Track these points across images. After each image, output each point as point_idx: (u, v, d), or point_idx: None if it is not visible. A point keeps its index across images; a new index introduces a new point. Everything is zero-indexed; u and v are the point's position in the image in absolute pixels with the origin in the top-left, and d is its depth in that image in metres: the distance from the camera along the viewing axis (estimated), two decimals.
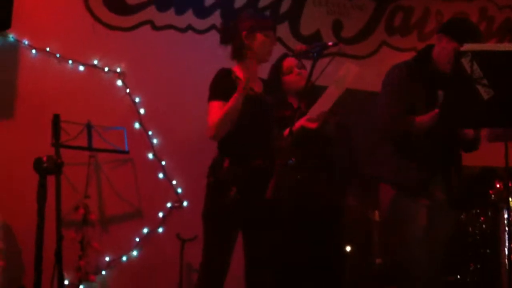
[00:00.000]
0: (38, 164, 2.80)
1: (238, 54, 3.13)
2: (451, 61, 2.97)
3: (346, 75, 3.03)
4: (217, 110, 2.99)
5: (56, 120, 3.43)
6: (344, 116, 3.31)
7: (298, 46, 3.23)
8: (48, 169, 2.82)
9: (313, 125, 2.93)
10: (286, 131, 3.09)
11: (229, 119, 2.96)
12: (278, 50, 4.42)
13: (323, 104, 3.00)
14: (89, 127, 4.16)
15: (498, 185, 3.28)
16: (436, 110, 2.86)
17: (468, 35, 2.96)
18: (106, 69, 4.58)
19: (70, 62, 4.48)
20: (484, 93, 2.57)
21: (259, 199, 2.88)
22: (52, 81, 4.42)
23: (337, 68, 3.16)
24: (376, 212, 3.41)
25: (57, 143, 3.37)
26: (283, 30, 5.02)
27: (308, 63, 3.12)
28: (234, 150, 3.02)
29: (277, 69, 3.36)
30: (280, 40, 4.92)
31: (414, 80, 3.07)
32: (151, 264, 4.44)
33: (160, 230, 4.53)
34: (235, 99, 2.93)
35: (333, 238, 3.17)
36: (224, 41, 3.23)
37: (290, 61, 3.45)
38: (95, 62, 4.56)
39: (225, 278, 2.98)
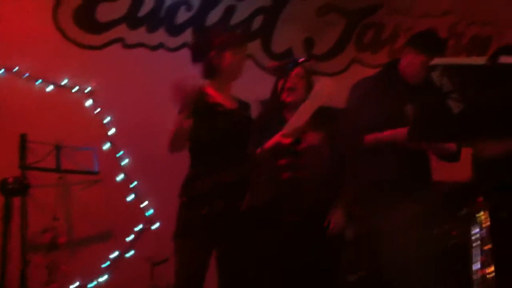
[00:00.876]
0: (3, 186, 2.75)
1: (209, 74, 3.14)
2: (418, 73, 3.00)
3: (321, 90, 3.02)
4: (183, 127, 3.01)
5: (23, 141, 3.37)
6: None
7: (270, 63, 3.23)
8: (13, 190, 2.76)
9: (287, 141, 2.91)
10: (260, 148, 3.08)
11: (178, 138, 3.00)
12: (250, 67, 4.45)
13: (297, 120, 2.98)
14: (57, 147, 4.10)
15: (468, 201, 3.29)
16: (406, 128, 2.87)
17: (435, 48, 2.99)
18: (76, 88, 4.52)
19: (39, 81, 4.41)
20: (455, 106, 2.57)
21: (233, 215, 2.90)
22: (20, 100, 4.36)
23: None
24: (350, 229, 3.39)
25: (23, 164, 3.30)
26: (255, 47, 5.03)
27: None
28: (205, 167, 3.01)
29: (275, 94, 3.33)
30: (252, 57, 4.93)
31: (381, 93, 3.08)
32: None
33: (131, 253, 4.45)
34: (178, 120, 2.97)
35: (314, 254, 3.12)
36: (195, 59, 3.23)
37: (271, 65, 3.42)
38: (65, 81, 4.50)
39: None
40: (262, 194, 3.01)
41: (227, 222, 2.96)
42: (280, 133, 2.96)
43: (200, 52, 3.20)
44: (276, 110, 3.21)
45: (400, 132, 2.92)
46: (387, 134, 2.99)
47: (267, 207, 3.00)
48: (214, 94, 3.13)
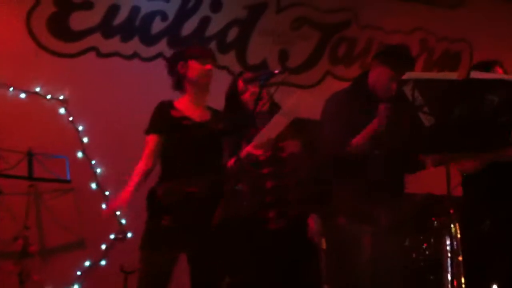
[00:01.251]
0: None
1: (178, 86, 3.19)
2: (386, 87, 3.03)
3: (296, 105, 3.03)
4: (150, 146, 3.10)
5: None
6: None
7: (245, 74, 3.25)
8: None
9: (258, 152, 2.93)
10: (232, 159, 3.09)
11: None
12: (225, 79, 4.47)
13: (269, 131, 2.99)
14: (29, 155, 4.05)
15: (440, 211, 3.35)
16: (368, 129, 2.91)
17: (401, 61, 3.03)
18: (49, 96, 4.48)
19: (11, 89, 4.37)
20: (426, 120, 2.62)
21: (195, 226, 2.93)
22: None
23: (285, 97, 3.17)
24: (323, 239, 3.42)
25: None
26: (230, 58, 5.07)
27: None
28: (169, 179, 3.04)
29: (233, 91, 3.33)
30: (227, 68, 4.96)
31: (353, 105, 3.11)
32: None
33: (103, 262, 4.41)
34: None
35: (286, 265, 3.13)
36: (169, 72, 3.26)
37: (245, 76, 3.34)
38: (37, 89, 4.46)
39: None
40: (243, 204, 3.02)
41: (195, 233, 2.97)
42: (252, 144, 2.97)
43: (171, 64, 3.22)
44: (241, 120, 3.23)
45: (372, 126, 2.93)
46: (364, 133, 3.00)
47: (250, 216, 3.00)
48: (183, 107, 3.15)
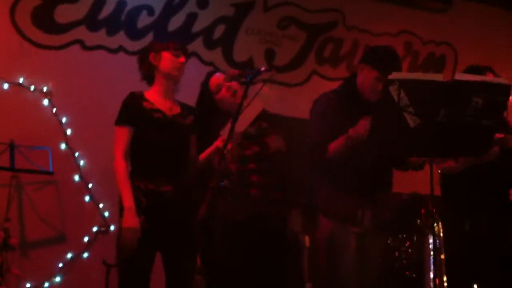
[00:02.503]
0: None
1: (148, 76, 3.15)
2: (374, 89, 3.04)
3: (265, 97, 3.02)
4: (122, 137, 3.00)
5: None
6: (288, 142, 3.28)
7: (231, 71, 3.23)
8: None
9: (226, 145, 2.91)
10: (204, 153, 3.09)
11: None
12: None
13: (238, 123, 2.97)
14: (12, 146, 4.01)
15: (423, 211, 3.38)
16: (344, 137, 2.93)
17: (387, 63, 3.04)
18: (32, 87, 4.45)
19: None
20: (411, 120, 2.63)
21: (170, 225, 2.92)
22: None
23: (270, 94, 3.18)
24: (306, 237, 3.44)
25: None
26: (216, 55, 5.07)
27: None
28: (141, 179, 2.99)
29: (206, 90, 3.30)
30: (213, 65, 4.97)
31: (342, 108, 3.12)
32: None
33: (85, 255, 4.38)
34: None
35: (270, 265, 3.13)
36: (141, 62, 3.21)
37: (217, 79, 3.33)
38: (21, 80, 4.42)
39: None
40: (228, 201, 3.01)
41: (170, 231, 2.95)
42: (220, 138, 2.96)
43: (142, 54, 3.18)
44: (211, 115, 3.22)
45: (352, 131, 2.95)
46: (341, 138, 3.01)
47: (235, 212, 3.00)
48: (153, 99, 3.10)
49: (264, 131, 3.22)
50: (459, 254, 3.32)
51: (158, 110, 3.06)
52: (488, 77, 3.19)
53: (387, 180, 3.25)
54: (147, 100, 3.07)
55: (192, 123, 3.16)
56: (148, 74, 3.15)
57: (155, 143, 3.01)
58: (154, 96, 3.10)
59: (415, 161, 3.17)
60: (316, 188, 3.22)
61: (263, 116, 3.18)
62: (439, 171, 3.51)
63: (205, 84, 3.34)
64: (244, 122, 2.94)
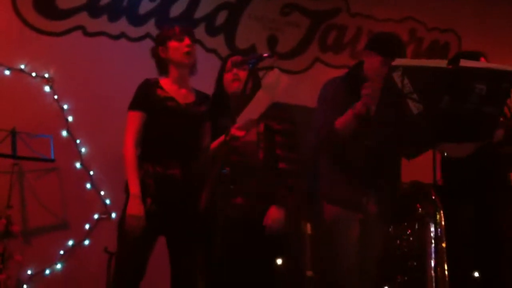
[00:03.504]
0: None
1: (161, 68, 3.16)
2: (379, 75, 3.02)
3: (276, 83, 2.97)
4: (135, 122, 3.01)
5: None
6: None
7: (234, 57, 3.21)
8: None
9: (240, 133, 2.89)
10: (215, 143, 3.07)
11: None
12: (213, 62, 4.44)
13: (251, 112, 2.95)
14: (13, 133, 4.01)
15: (424, 199, 3.37)
16: (350, 111, 2.91)
17: (392, 49, 3.02)
18: (34, 74, 4.43)
19: None
20: (414, 107, 2.61)
21: (176, 209, 2.91)
22: None
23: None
24: (308, 224, 3.43)
25: None
26: (218, 42, 5.04)
27: None
28: (150, 162, 2.99)
29: (221, 68, 3.30)
30: (215, 52, 4.95)
31: (349, 93, 3.11)
32: (76, 277, 4.30)
33: (86, 242, 4.38)
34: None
35: (264, 251, 3.12)
36: (155, 60, 3.22)
37: (234, 59, 3.23)
38: (22, 66, 4.41)
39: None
40: (229, 188, 2.99)
41: (176, 216, 2.95)
42: (235, 126, 2.93)
43: (154, 52, 3.18)
44: (223, 103, 3.21)
45: (355, 108, 2.93)
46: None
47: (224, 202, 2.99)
48: (168, 87, 3.10)
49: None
50: (460, 241, 3.32)
51: (172, 99, 3.06)
52: (493, 64, 3.16)
53: (392, 166, 3.22)
54: (161, 88, 3.08)
55: (206, 111, 3.16)
56: (162, 66, 3.16)
57: (167, 130, 3.02)
58: (169, 85, 3.12)
59: None
60: (320, 174, 3.21)
61: (279, 108, 3.15)
62: (448, 155, 3.49)
63: (223, 62, 3.33)
64: (255, 110, 2.92)
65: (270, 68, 3.87)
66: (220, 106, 3.22)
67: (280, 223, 3.04)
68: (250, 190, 3.07)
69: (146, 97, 3.05)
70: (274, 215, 3.04)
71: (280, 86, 2.90)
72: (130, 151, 2.99)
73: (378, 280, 3.07)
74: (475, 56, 3.51)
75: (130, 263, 2.95)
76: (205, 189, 2.85)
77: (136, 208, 2.88)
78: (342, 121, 2.99)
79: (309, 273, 3.41)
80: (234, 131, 2.87)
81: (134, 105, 3.06)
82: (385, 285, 3.51)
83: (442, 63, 2.55)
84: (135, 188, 2.91)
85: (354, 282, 3.05)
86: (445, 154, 3.52)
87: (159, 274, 3.04)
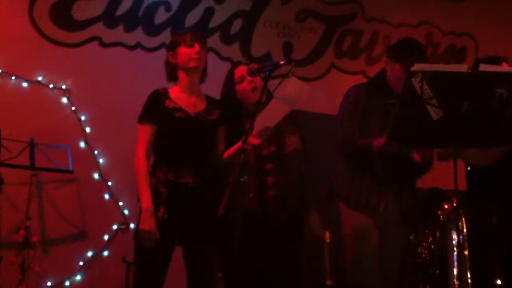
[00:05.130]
0: None
1: (171, 75, 3.15)
2: (401, 82, 2.99)
3: (295, 92, 2.93)
4: (144, 135, 3.01)
5: None
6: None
7: (250, 65, 3.19)
8: None
9: (256, 142, 2.86)
10: (229, 150, 3.04)
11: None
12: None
13: (267, 119, 2.92)
14: (32, 145, 4.02)
15: (446, 206, 3.33)
16: (383, 139, 2.89)
17: (412, 55, 3.01)
18: (51, 85, 4.46)
19: (13, 78, 4.35)
20: (434, 113, 2.58)
21: (190, 217, 2.90)
22: None
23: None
24: (327, 233, 3.39)
25: None
26: (234, 50, 5.05)
27: None
28: (162, 171, 2.98)
29: (229, 79, 3.28)
30: (231, 60, 4.93)
31: (371, 99, 3.10)
32: None
33: (106, 253, 4.39)
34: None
35: (288, 258, 3.10)
36: (166, 66, 3.21)
37: (241, 70, 3.26)
38: (40, 78, 4.44)
39: None
40: (249, 196, 2.97)
41: (191, 225, 2.93)
42: (252, 133, 2.90)
43: (166, 59, 3.17)
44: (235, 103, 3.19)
45: (378, 141, 2.93)
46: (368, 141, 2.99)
47: (252, 209, 2.97)
48: (176, 97, 3.08)
49: (283, 130, 3.17)
50: (484, 249, 3.28)
51: (180, 109, 3.04)
52: None
53: (411, 175, 3.19)
54: (170, 99, 3.06)
55: (218, 118, 3.14)
56: (171, 73, 3.14)
57: (177, 140, 3.00)
58: (178, 93, 3.09)
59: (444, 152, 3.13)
60: (339, 177, 3.19)
61: (293, 116, 3.12)
62: (471, 163, 3.45)
63: (229, 73, 3.30)
64: (271, 118, 2.89)
65: (286, 75, 3.86)
66: (233, 113, 3.20)
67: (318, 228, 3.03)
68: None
69: (154, 109, 3.03)
70: (315, 219, 3.03)
71: (303, 96, 2.87)
72: (141, 163, 2.99)
73: None
74: (496, 61, 3.48)
75: (148, 274, 2.94)
76: (225, 195, 2.82)
77: (147, 223, 2.88)
78: (377, 143, 2.98)
79: (329, 282, 3.37)
80: (250, 139, 2.84)
81: (143, 118, 3.06)
82: None
83: (462, 68, 2.52)
84: (146, 202, 2.91)
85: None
86: (469, 166, 3.47)
87: (177, 280, 3.02)
